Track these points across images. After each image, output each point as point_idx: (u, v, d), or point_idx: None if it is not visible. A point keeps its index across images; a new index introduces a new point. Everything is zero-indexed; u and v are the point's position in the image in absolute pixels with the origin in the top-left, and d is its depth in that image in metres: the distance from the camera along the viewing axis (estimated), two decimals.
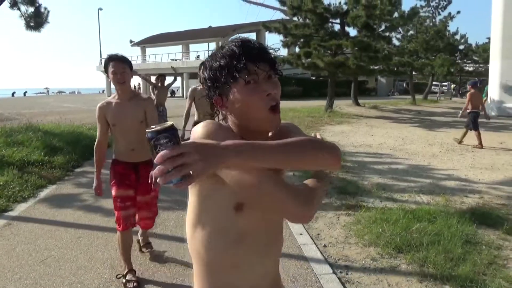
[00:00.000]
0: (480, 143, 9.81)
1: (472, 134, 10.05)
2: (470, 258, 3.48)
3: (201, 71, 1.17)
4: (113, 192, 3.12)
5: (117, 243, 3.15)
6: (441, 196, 5.46)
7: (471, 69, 41.02)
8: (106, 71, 3.02)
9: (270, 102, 1.08)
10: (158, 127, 0.82)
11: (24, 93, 64.51)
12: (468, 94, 10.34)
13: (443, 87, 42.35)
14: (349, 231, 4.18)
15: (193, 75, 40.73)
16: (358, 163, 7.86)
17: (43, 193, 5.70)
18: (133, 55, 49.38)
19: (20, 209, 4.99)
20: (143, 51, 50.49)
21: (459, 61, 35.88)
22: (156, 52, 48.40)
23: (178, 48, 48.70)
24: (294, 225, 4.36)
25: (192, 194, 1.12)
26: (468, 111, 10.15)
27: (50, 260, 3.52)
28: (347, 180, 6.40)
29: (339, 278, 3.20)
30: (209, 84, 1.12)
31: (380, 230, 4.00)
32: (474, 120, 9.96)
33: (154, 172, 0.81)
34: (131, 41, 52.13)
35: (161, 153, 0.79)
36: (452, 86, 43.51)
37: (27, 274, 3.26)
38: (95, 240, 3.98)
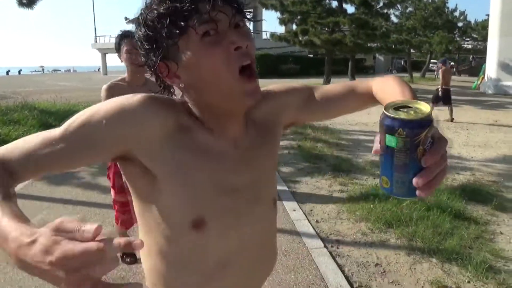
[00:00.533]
0: (451, 118, 10.58)
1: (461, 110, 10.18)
2: (458, 232, 3.59)
3: (136, 32, 0.81)
4: (112, 194, 3.02)
5: (115, 229, 3.21)
6: None
7: (469, 46, 40.81)
8: (118, 49, 2.71)
9: (241, 60, 0.74)
10: (421, 115, 0.60)
11: (19, 71, 63.88)
12: (440, 71, 10.92)
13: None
14: (341, 207, 4.27)
15: None
16: (353, 141, 7.94)
17: None
18: None
19: (18, 186, 5.04)
20: None
21: (458, 39, 35.66)
22: None
23: None
24: (288, 202, 4.46)
25: None
26: (442, 87, 10.70)
27: None
28: (341, 158, 6.48)
29: (330, 252, 3.30)
30: (146, 46, 0.76)
31: (371, 206, 4.10)
32: (447, 95, 10.50)
33: (419, 181, 0.60)
34: (126, 18, 51.27)
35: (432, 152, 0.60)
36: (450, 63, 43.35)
37: None
38: (92, 216, 4.06)
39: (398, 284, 2.86)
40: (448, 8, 31.07)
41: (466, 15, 36.73)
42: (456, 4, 56.31)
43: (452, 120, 10.51)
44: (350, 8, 21.09)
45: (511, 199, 4.60)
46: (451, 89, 10.80)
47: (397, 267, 3.08)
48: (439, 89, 10.68)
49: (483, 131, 9.27)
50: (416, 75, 31.98)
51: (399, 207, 4.04)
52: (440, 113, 10.42)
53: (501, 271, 2.98)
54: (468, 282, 2.87)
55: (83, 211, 4.22)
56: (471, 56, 47.48)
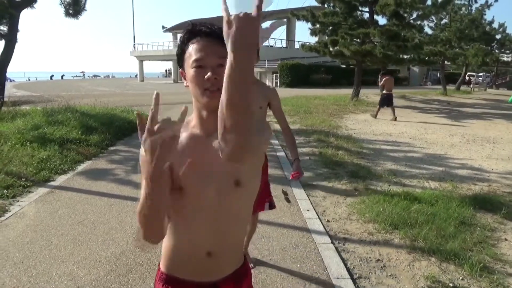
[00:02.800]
0: (376, 115, 13.66)
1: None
2: (461, 236, 3.78)
3: None
4: None
5: None
6: (448, 183, 5.71)
7: (508, 59, 39.54)
8: (181, 62, 2.25)
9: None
10: None
11: (62, 76, 67.07)
12: (383, 80, 13.65)
13: (478, 78, 41.11)
14: (353, 210, 4.54)
15: None
16: (375, 150, 8.12)
17: (80, 167, 6.32)
18: (165, 40, 50.25)
19: (60, 180, 5.62)
20: (175, 37, 51.29)
21: (496, 51, 34.68)
22: None
23: None
24: (303, 202, 4.76)
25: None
26: (383, 92, 13.53)
27: (87, 222, 4.08)
28: (360, 165, 6.71)
29: (336, 248, 3.59)
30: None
31: (381, 209, 4.34)
32: (389, 99, 13.37)
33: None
34: (163, 27, 53.11)
35: None
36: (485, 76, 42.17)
37: (68, 231, 3.83)
38: (125, 208, 4.52)
39: (395, 277, 3.12)
40: (485, 20, 30.38)
41: (506, 27, 35.77)
42: (493, 16, 54.64)
43: (395, 119, 12.98)
44: (382, 20, 21.14)
45: None
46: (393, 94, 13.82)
47: (397, 263, 3.33)
48: (384, 94, 13.46)
49: (509, 145, 9.21)
50: (451, 87, 31.39)
51: (408, 211, 4.27)
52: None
53: (496, 272, 3.17)
54: (462, 279, 3.09)
55: (117, 203, 4.69)
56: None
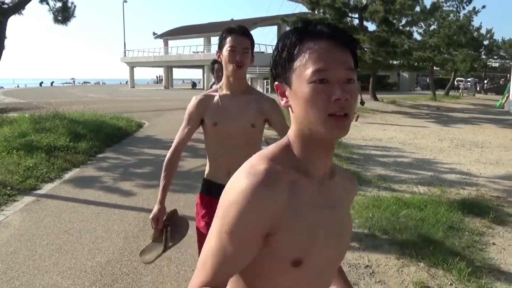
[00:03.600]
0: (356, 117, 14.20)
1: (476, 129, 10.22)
2: (450, 241, 3.79)
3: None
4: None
5: None
6: (437, 187, 5.73)
7: (496, 65, 40.15)
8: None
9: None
10: None
11: (51, 83, 66.55)
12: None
13: (467, 83, 41.63)
14: None
15: None
16: (365, 156, 8.15)
17: (67, 175, 6.24)
18: (156, 47, 50.23)
19: (47, 188, 5.54)
20: (166, 43, 51.31)
21: (484, 57, 35.21)
22: (179, 45, 49.36)
23: (200, 40, 49.31)
24: None
25: None
26: None
27: (73, 231, 4.01)
28: (350, 170, 6.71)
29: None
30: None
31: (370, 214, 4.34)
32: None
33: None
34: (154, 33, 53.07)
35: None
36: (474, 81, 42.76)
37: (53, 241, 3.76)
38: (112, 216, 4.46)
39: (384, 284, 3.10)
40: (473, 26, 30.86)
41: (493, 33, 36.37)
42: (481, 22, 55.55)
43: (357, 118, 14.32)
44: (371, 26, 21.36)
45: (510, 213, 4.74)
46: None
47: (386, 269, 3.32)
48: None
49: (497, 149, 9.31)
50: (441, 92, 31.74)
51: (397, 216, 4.27)
52: None
53: (484, 276, 3.17)
54: (451, 284, 3.09)
55: (104, 212, 4.62)
56: (501, 75, 46.70)
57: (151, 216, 2.02)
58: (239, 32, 2.04)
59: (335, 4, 17.88)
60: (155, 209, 2.03)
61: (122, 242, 3.73)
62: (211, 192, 2.08)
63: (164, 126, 11.75)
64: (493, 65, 40.83)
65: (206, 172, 2.17)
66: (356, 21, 19.77)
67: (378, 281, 3.13)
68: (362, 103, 15.27)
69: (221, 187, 1.83)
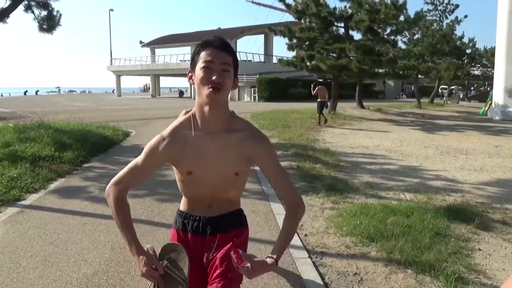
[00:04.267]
0: (319, 122, 15.14)
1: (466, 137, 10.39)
2: (436, 247, 3.82)
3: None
4: None
5: None
6: (423, 194, 5.80)
7: (478, 73, 41.02)
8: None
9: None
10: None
11: (36, 92, 65.72)
12: (316, 89, 15.05)
13: (453, 91, 42.43)
14: (330, 223, 4.54)
15: None
16: (352, 163, 8.21)
17: (52, 185, 6.15)
18: (143, 55, 50.07)
19: (31, 198, 5.44)
20: (153, 52, 51.18)
21: (467, 65, 35.95)
22: (166, 53, 49.15)
23: (187, 49, 49.33)
24: (280, 217, 4.73)
25: None
26: (318, 100, 14.98)
27: (58, 242, 3.94)
28: (337, 178, 6.75)
29: (313, 262, 3.57)
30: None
31: (358, 222, 4.36)
32: (322, 106, 15.00)
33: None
34: (141, 42, 52.95)
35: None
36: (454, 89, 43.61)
37: (38, 252, 3.69)
38: (98, 226, 4.40)
39: None
40: (456, 35, 31.54)
41: (475, 42, 37.22)
42: (463, 32, 56.85)
43: (324, 122, 15.18)
44: (357, 35, 21.66)
45: (495, 219, 4.82)
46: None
47: (374, 276, 3.33)
48: (319, 102, 15.02)
49: (481, 156, 9.47)
50: (425, 100, 32.24)
51: (384, 224, 4.30)
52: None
53: (471, 282, 3.21)
54: None
55: (90, 222, 4.56)
56: (484, 83, 47.70)
57: (144, 271, 1.49)
58: (216, 45, 1.55)
59: (321, 14, 18.08)
60: (142, 260, 1.50)
61: (109, 253, 3.67)
62: (186, 227, 1.77)
63: (151, 135, 11.40)
64: (475, 73, 41.68)
65: (181, 204, 1.84)
66: (342, 30, 20.00)
67: None
68: (326, 106, 16.02)
69: (200, 220, 1.79)
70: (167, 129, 1.66)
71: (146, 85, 66.53)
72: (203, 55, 1.54)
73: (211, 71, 1.51)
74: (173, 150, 1.61)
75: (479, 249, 3.94)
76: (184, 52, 50.78)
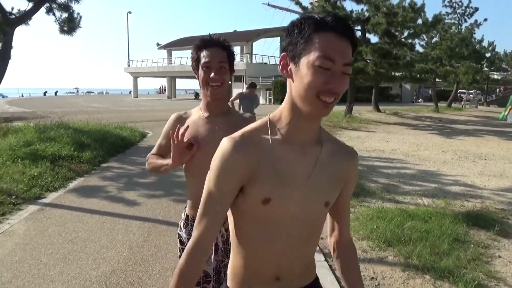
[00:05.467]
0: None
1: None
2: (455, 253, 3.77)
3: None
4: None
5: None
6: (441, 199, 5.72)
7: (498, 77, 40.25)
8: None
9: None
10: None
11: (55, 93, 66.98)
12: None
13: (470, 95, 41.73)
14: None
15: None
16: (368, 167, 8.14)
17: (72, 184, 6.26)
18: (159, 57, 50.55)
19: (51, 197, 5.55)
20: (169, 54, 51.64)
21: (486, 69, 35.31)
22: (182, 55, 49.54)
23: None
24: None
25: None
26: None
27: (77, 240, 4.02)
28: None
29: (329, 265, 3.56)
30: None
31: (375, 226, 4.32)
32: None
33: None
34: (158, 44, 53.45)
35: None
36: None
37: (57, 250, 3.76)
38: (116, 225, 4.46)
39: None
40: (475, 38, 31.03)
41: (495, 45, 36.55)
42: (483, 35, 55.93)
43: None
44: (374, 38, 21.50)
45: None
46: None
47: (391, 281, 3.30)
48: None
49: (501, 161, 9.28)
50: (442, 104, 31.78)
51: (401, 228, 4.26)
52: None
53: None
54: None
55: (108, 221, 4.63)
56: (502, 87, 46.77)
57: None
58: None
59: None
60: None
61: (127, 252, 3.73)
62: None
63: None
64: (495, 77, 40.92)
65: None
66: (358, 33, 19.88)
67: None
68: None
69: None
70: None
71: (162, 86, 67.25)
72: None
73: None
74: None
75: (499, 256, 3.87)
76: None
